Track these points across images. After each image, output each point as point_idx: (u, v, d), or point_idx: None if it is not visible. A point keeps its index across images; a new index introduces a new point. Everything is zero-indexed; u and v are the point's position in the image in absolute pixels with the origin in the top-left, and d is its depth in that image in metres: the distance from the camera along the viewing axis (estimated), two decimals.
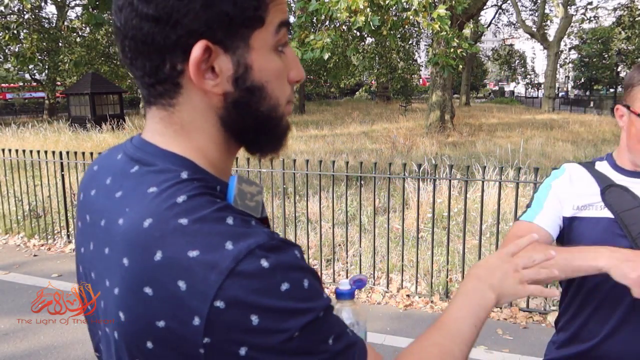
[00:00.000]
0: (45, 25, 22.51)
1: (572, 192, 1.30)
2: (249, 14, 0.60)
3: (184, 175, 0.60)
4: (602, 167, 1.34)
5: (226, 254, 0.53)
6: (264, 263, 0.54)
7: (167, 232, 0.55)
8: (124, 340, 0.59)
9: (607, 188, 1.26)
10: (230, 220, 0.56)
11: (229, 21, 0.59)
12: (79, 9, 27.59)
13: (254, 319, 0.53)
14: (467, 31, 9.10)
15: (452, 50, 7.65)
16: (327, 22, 9.32)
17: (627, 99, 1.26)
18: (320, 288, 0.59)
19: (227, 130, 0.65)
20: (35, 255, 5.50)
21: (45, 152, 5.86)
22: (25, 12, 18.67)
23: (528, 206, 1.37)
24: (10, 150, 6.11)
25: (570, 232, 1.30)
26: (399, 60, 24.88)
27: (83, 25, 20.12)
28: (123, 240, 0.58)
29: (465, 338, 0.74)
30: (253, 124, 0.65)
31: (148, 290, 0.54)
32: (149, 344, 0.56)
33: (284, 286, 0.54)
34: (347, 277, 4.70)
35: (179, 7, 0.57)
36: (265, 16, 0.61)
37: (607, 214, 1.25)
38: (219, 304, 0.52)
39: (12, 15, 18.42)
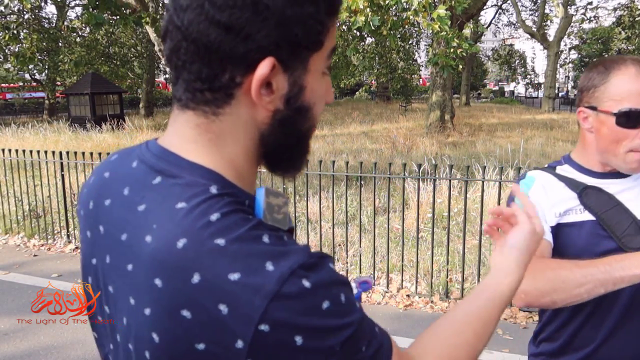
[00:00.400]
0: (45, 25, 22.47)
1: (549, 201, 1.27)
2: (313, 38, 0.61)
3: (214, 190, 0.58)
4: (566, 171, 1.32)
5: (269, 276, 0.52)
6: (306, 283, 0.54)
7: (203, 254, 0.53)
8: None
9: (584, 190, 1.25)
10: (266, 239, 0.55)
11: (296, 43, 0.59)
12: (79, 9, 27.62)
13: (298, 339, 0.53)
14: (467, 31, 9.11)
15: (452, 50, 7.65)
16: None
17: (590, 101, 1.24)
18: (353, 297, 0.59)
19: (263, 146, 0.64)
20: (35, 255, 5.51)
21: (45, 152, 5.86)
22: (25, 12, 18.67)
23: None
24: (10, 150, 6.11)
25: (557, 240, 1.26)
26: (399, 60, 24.87)
27: (83, 25, 20.12)
28: (154, 260, 0.56)
29: (489, 337, 0.75)
30: (292, 142, 0.66)
31: (186, 313, 0.53)
32: None
33: (325, 304, 0.54)
34: (347, 277, 4.70)
35: (254, 21, 0.56)
36: (325, 41, 0.63)
37: (588, 216, 1.23)
38: (264, 327, 0.52)
39: (12, 15, 18.43)
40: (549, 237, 1.25)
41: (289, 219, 0.66)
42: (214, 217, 0.55)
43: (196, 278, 0.53)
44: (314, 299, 0.54)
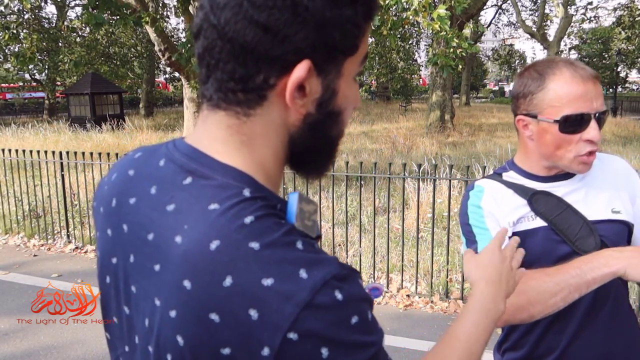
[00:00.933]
0: (45, 25, 22.49)
1: (501, 211, 1.25)
2: (350, 42, 0.60)
3: (246, 192, 0.57)
4: (511, 177, 1.30)
5: (302, 284, 0.52)
6: (338, 295, 0.53)
7: (237, 257, 0.52)
8: None
9: (533, 196, 1.23)
10: (299, 245, 0.55)
11: (332, 46, 0.58)
12: (79, 9, 27.61)
13: (324, 351, 0.52)
14: (467, 31, 9.09)
15: (452, 50, 7.64)
16: None
17: (529, 108, 1.21)
18: (374, 317, 0.59)
19: (291, 148, 0.64)
20: (35, 255, 5.51)
21: (45, 152, 5.86)
22: (25, 12, 18.67)
23: (470, 237, 1.26)
24: (10, 150, 6.11)
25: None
26: (399, 60, 24.88)
27: (83, 25, 20.11)
28: (184, 261, 0.55)
29: (477, 356, 0.75)
30: (320, 146, 0.66)
31: (214, 316, 0.52)
32: None
33: (354, 319, 0.54)
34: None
35: (292, 23, 0.55)
36: (360, 45, 0.62)
37: (540, 222, 1.22)
38: (292, 335, 0.51)
39: (12, 15, 18.42)
40: None
41: (317, 227, 0.65)
42: (248, 220, 0.54)
43: (228, 281, 0.52)
44: (345, 312, 0.53)
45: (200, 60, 0.61)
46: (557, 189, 1.25)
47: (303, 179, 0.71)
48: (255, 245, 0.53)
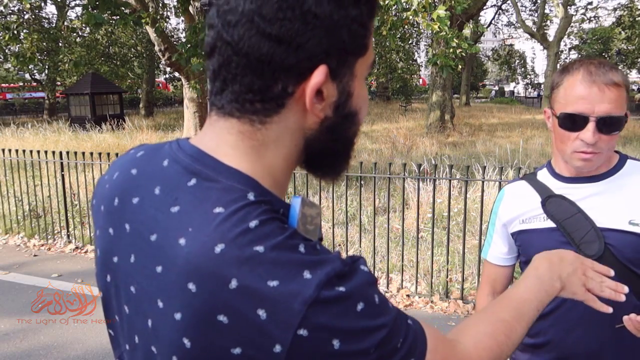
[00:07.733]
0: (45, 25, 22.48)
1: (515, 212, 1.37)
2: (359, 42, 0.62)
3: (251, 196, 0.58)
4: (543, 175, 1.37)
5: (307, 283, 0.53)
6: (341, 288, 0.55)
7: (242, 260, 0.54)
8: None
9: (547, 199, 1.31)
10: (302, 248, 0.56)
11: (343, 49, 0.60)
12: (79, 9, 27.60)
13: (336, 343, 0.54)
14: (467, 31, 9.07)
15: (451, 50, 7.64)
16: None
17: (550, 102, 1.29)
18: (385, 297, 0.60)
19: (306, 151, 0.65)
20: (35, 255, 5.51)
21: (45, 152, 5.86)
22: (25, 12, 18.67)
23: (489, 234, 1.50)
24: (10, 150, 6.11)
25: (520, 244, 1.37)
26: (398, 60, 24.87)
27: (83, 25, 20.09)
28: (189, 263, 0.55)
29: (528, 320, 0.80)
30: (338, 148, 0.67)
31: (222, 318, 0.53)
32: None
33: (360, 306, 0.56)
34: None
35: (304, 31, 0.57)
36: (368, 45, 0.64)
37: (550, 224, 1.29)
38: (302, 332, 0.53)
39: (12, 15, 18.42)
40: (501, 261, 1.45)
41: (320, 230, 0.66)
42: (253, 224, 0.55)
43: (234, 284, 0.53)
44: (350, 301, 0.55)
45: (215, 75, 0.62)
46: (575, 190, 1.28)
47: (320, 180, 0.73)
48: (260, 248, 0.54)
